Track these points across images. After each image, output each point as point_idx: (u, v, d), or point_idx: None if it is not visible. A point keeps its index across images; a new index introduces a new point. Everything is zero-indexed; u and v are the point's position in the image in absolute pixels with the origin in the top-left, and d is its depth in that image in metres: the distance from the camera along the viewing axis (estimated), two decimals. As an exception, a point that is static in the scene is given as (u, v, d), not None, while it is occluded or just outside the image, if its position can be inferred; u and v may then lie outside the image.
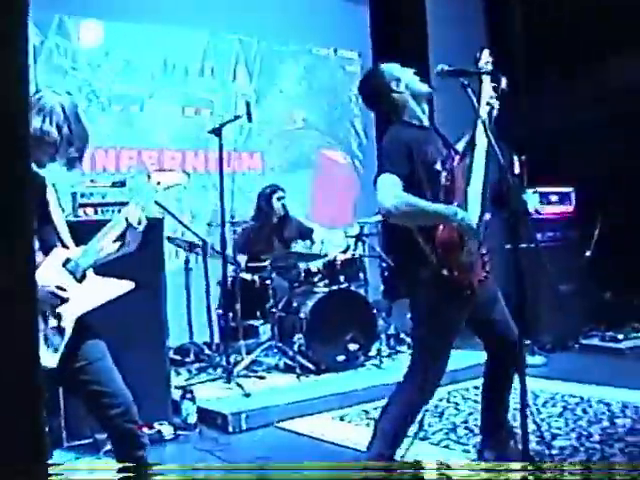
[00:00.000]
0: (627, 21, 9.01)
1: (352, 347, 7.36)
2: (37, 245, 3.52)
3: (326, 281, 7.79)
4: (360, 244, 8.14)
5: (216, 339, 7.97)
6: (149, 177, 3.86)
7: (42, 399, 1.59)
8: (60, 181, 3.82)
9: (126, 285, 3.72)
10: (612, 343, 8.36)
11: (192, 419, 5.83)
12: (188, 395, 5.90)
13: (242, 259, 8.05)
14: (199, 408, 5.94)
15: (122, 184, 5.72)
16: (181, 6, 9.14)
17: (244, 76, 9.82)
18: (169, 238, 7.39)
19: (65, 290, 3.50)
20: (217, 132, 7.09)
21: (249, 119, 7.09)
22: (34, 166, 3.52)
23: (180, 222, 7.31)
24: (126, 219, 3.64)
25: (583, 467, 4.07)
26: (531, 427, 4.04)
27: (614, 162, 8.96)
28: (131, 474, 3.56)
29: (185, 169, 8.90)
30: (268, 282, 7.67)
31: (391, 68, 4.40)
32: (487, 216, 4.20)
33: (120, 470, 3.53)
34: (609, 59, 9.88)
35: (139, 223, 3.66)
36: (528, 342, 7.75)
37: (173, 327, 6.21)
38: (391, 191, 3.87)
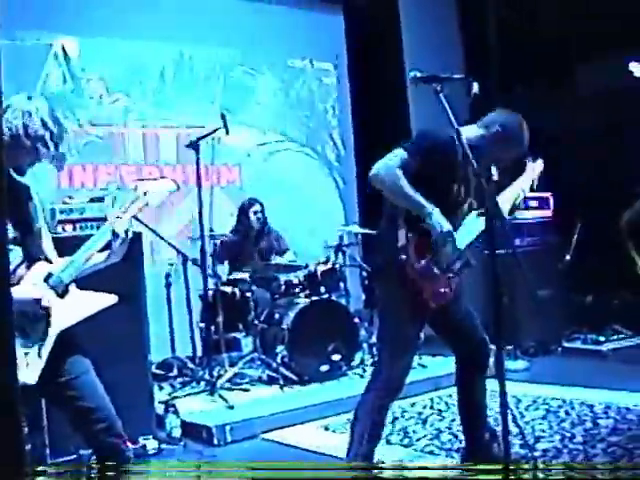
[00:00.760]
0: (604, 27, 9.09)
1: (335, 357, 7.37)
2: (21, 256, 3.51)
3: (307, 292, 7.80)
4: (340, 254, 8.16)
5: (199, 353, 7.97)
6: (135, 188, 3.84)
7: (20, 416, 1.59)
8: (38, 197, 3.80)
9: (109, 299, 3.70)
10: (594, 345, 8.42)
11: (176, 433, 5.82)
12: (172, 409, 5.89)
13: (223, 272, 8.06)
14: (183, 422, 5.93)
15: (100, 200, 5.72)
16: (156, 20, 9.15)
17: (220, 89, 9.82)
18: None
19: (47, 305, 3.48)
20: (194, 146, 7.09)
21: (226, 132, 7.09)
22: (14, 174, 3.51)
23: (159, 236, 7.29)
24: (112, 230, 3.62)
25: (565, 467, 4.09)
26: (514, 430, 4.08)
27: (591, 166, 9.03)
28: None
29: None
30: (249, 294, 7.67)
31: None
32: (473, 262, 4.28)
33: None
34: (585, 65, 9.98)
35: (126, 233, 3.65)
36: (510, 347, 7.79)
37: (155, 342, 6.19)
38: (388, 161, 4.01)
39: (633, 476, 4.16)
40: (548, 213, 9.13)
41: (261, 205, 8.43)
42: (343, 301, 7.99)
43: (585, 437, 5.19)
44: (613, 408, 5.84)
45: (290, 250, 8.63)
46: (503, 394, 3.50)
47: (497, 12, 10.88)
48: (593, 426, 5.44)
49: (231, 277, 7.96)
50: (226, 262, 8.29)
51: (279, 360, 7.29)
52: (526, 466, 4.08)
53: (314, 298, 7.63)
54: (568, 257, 8.64)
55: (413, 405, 6.49)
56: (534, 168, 4.68)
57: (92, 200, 5.71)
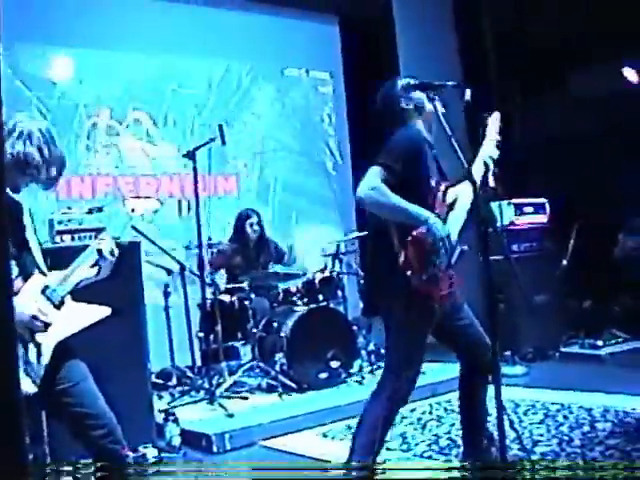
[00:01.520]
0: (596, 35, 9.15)
1: (334, 364, 7.39)
2: (16, 271, 3.55)
3: (305, 300, 7.83)
4: (337, 262, 8.19)
5: (198, 362, 7.99)
6: (123, 204, 3.92)
7: (23, 426, 1.61)
8: (36, 208, 3.84)
9: (103, 311, 3.75)
10: (592, 350, 8.44)
11: (176, 441, 5.83)
12: (171, 417, 5.91)
13: (221, 281, 8.09)
14: (183, 430, 5.94)
15: (99, 210, 5.76)
16: (152, 32, 9.19)
17: (216, 99, 9.85)
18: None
19: (44, 316, 3.52)
20: (191, 156, 7.12)
21: (223, 142, 7.12)
22: (9, 191, 3.56)
23: (158, 246, 7.32)
24: (98, 250, 3.69)
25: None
26: (512, 435, 4.11)
27: (588, 171, 9.06)
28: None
29: (161, 194, 8.96)
30: (247, 303, 7.69)
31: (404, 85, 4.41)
32: (465, 247, 4.29)
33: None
34: (580, 70, 10.03)
35: (111, 254, 3.72)
36: (508, 352, 7.81)
37: (154, 351, 6.21)
38: (369, 181, 4.00)
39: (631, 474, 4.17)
40: (544, 219, 9.16)
41: (258, 216, 8.46)
42: (341, 309, 8.02)
43: (583, 440, 5.21)
44: (611, 412, 5.87)
45: (287, 253, 8.65)
46: (499, 399, 3.52)
47: (493, 18, 10.94)
48: (591, 429, 5.46)
49: (229, 286, 7.97)
50: (223, 271, 8.30)
51: (278, 368, 7.32)
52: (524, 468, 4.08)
53: (312, 306, 7.66)
54: (565, 262, 8.67)
55: (412, 411, 6.50)
56: (493, 123, 4.64)
57: (90, 211, 5.75)
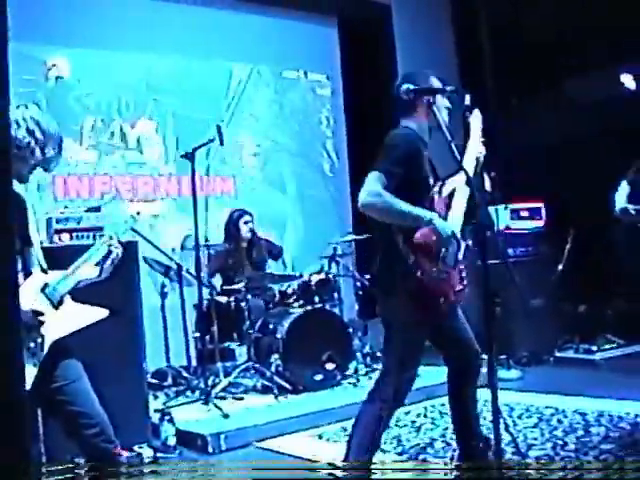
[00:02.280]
0: (594, 40, 9.19)
1: (329, 366, 7.41)
2: (19, 266, 3.57)
3: (301, 302, 7.85)
4: (334, 264, 8.21)
5: (193, 362, 8.01)
6: (128, 206, 3.96)
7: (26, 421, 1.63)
8: (35, 207, 3.85)
9: (102, 313, 3.77)
10: (586, 355, 8.46)
11: (171, 441, 5.85)
12: (167, 417, 5.92)
13: (217, 282, 8.10)
14: (178, 430, 5.96)
15: (97, 209, 5.77)
16: (151, 32, 9.20)
17: (215, 99, 9.86)
18: (145, 260, 7.39)
19: (42, 315, 3.54)
20: (189, 156, 7.13)
21: (221, 143, 7.13)
22: (16, 183, 3.57)
23: (155, 246, 7.33)
24: (109, 250, 3.72)
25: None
26: (507, 438, 4.13)
27: (584, 176, 9.08)
28: None
29: (158, 194, 8.98)
30: (243, 304, 7.69)
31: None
32: (469, 241, 4.31)
33: None
34: (577, 77, 10.06)
35: (117, 254, 3.76)
36: (503, 357, 7.82)
37: (150, 351, 6.22)
38: (370, 187, 4.00)
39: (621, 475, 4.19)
40: (540, 223, 9.18)
41: (251, 215, 8.47)
42: (337, 311, 8.04)
43: (577, 445, 5.22)
44: (605, 416, 5.89)
45: (282, 248, 8.68)
46: (495, 403, 3.54)
47: (491, 23, 10.98)
48: (585, 434, 5.48)
49: (226, 287, 7.98)
50: (218, 274, 8.31)
51: (273, 369, 7.33)
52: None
53: (308, 308, 7.69)
54: (560, 267, 8.69)
55: (407, 413, 6.52)
56: (475, 120, 4.63)
57: (89, 210, 5.76)
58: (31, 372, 3.46)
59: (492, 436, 3.77)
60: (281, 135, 10.50)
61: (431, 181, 4.27)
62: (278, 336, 7.36)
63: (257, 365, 7.52)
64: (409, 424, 6.26)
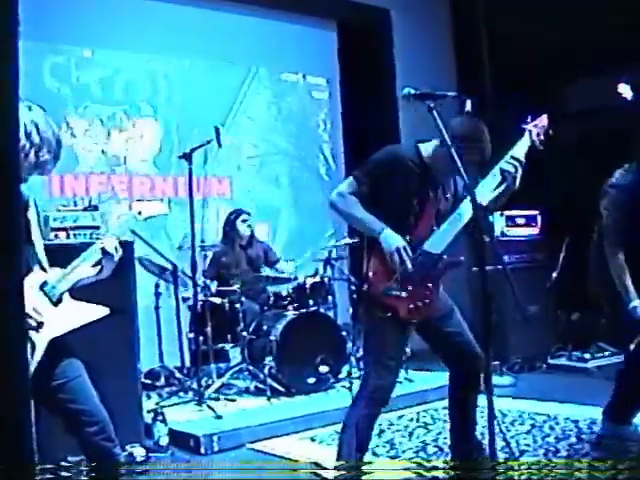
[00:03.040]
0: (588, 47, 9.22)
1: (322, 369, 7.41)
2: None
3: (295, 304, 7.85)
4: (329, 267, 8.21)
5: (187, 363, 8.01)
6: (130, 207, 3.97)
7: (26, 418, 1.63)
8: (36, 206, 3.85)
9: (101, 311, 3.79)
10: (579, 363, 8.48)
11: (164, 441, 5.85)
12: (160, 417, 5.92)
13: (212, 283, 8.10)
14: (171, 430, 5.96)
15: (94, 208, 5.77)
16: (150, 32, 9.20)
17: (213, 101, 9.85)
18: (140, 260, 7.38)
19: (40, 313, 3.54)
20: (187, 157, 7.14)
21: (219, 144, 7.14)
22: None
23: (151, 246, 7.32)
24: (102, 248, 3.73)
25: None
26: (500, 444, 4.14)
27: (580, 184, 9.10)
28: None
29: (155, 195, 8.98)
30: (238, 306, 7.70)
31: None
32: (461, 258, 4.33)
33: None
34: (575, 83, 10.10)
35: (115, 250, 3.76)
36: (496, 363, 7.84)
37: (143, 351, 6.20)
38: (339, 188, 4.27)
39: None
40: (536, 230, 9.21)
41: (248, 214, 8.48)
42: (331, 314, 8.05)
43: (569, 452, 5.24)
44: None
45: (282, 259, 8.68)
46: (491, 408, 3.55)
47: (489, 30, 11.00)
48: (577, 441, 5.50)
49: (220, 288, 7.98)
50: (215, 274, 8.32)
51: (267, 371, 7.31)
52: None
53: (302, 310, 7.69)
54: (555, 274, 8.70)
55: (400, 418, 6.54)
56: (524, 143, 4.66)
57: (86, 209, 5.76)
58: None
59: (486, 441, 3.78)
60: (278, 138, 10.50)
61: (415, 201, 4.28)
62: (272, 338, 7.36)
63: (250, 367, 7.53)
64: (402, 429, 6.27)
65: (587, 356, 8.54)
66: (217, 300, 7.80)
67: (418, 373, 7.76)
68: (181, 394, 7.34)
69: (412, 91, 3.86)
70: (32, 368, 3.49)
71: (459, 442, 4.71)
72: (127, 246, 5.37)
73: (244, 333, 7.60)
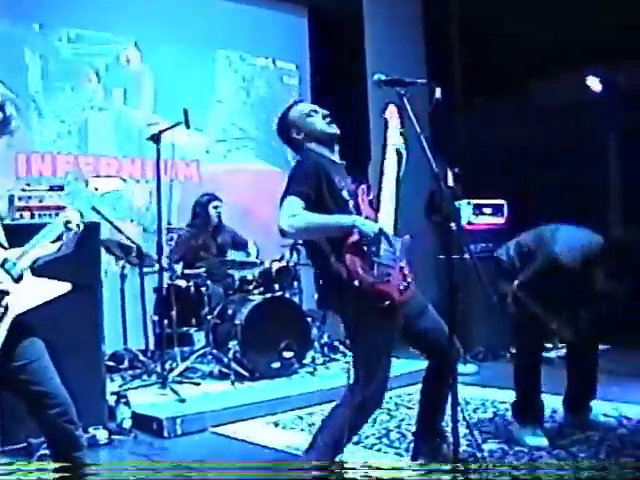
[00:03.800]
0: (556, 44, 9.30)
1: (287, 354, 7.41)
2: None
3: (261, 289, 7.86)
4: (295, 253, 8.21)
5: (151, 346, 7.98)
6: (87, 183, 3.93)
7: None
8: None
9: (63, 287, 3.75)
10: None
11: (127, 424, 5.84)
12: (123, 400, 5.90)
13: (177, 266, 8.06)
14: (134, 413, 5.95)
15: (60, 188, 5.73)
16: (123, 13, 9.13)
17: (183, 84, 9.78)
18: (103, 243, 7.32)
19: (2, 289, 3.51)
20: (156, 139, 7.10)
21: (187, 126, 7.10)
22: None
23: (116, 228, 7.28)
24: (64, 222, 3.69)
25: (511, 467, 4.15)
26: (463, 431, 4.16)
27: (546, 175, 9.17)
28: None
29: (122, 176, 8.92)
30: (203, 289, 7.69)
31: (296, 115, 4.49)
32: (406, 237, 4.32)
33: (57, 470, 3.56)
34: (540, 78, 10.16)
35: (77, 226, 3.72)
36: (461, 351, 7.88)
37: (107, 334, 6.16)
38: (288, 211, 4.03)
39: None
40: (502, 220, 9.26)
41: (220, 201, 8.44)
42: (296, 299, 8.06)
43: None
44: (559, 412, 5.95)
45: (250, 240, 8.62)
46: (455, 396, 3.57)
47: (460, 21, 11.04)
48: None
49: (186, 272, 7.93)
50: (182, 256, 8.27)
51: (231, 355, 7.31)
52: (474, 466, 4.13)
53: (268, 295, 7.69)
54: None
55: (363, 404, 6.54)
56: (391, 114, 4.64)
57: (51, 188, 5.71)
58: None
59: (449, 428, 3.80)
60: (247, 122, 10.46)
61: (346, 194, 4.29)
62: (237, 322, 7.34)
63: (215, 351, 7.52)
64: (365, 415, 6.28)
65: (550, 346, 8.59)
66: (182, 283, 7.77)
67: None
68: (145, 377, 7.31)
69: (382, 77, 3.86)
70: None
71: (426, 432, 4.73)
72: (92, 227, 5.36)
73: (209, 317, 7.60)
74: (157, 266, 7.26)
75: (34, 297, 3.63)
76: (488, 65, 10.19)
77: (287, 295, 7.92)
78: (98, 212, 5.66)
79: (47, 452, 4.10)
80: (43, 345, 3.68)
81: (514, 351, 5.79)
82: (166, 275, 7.51)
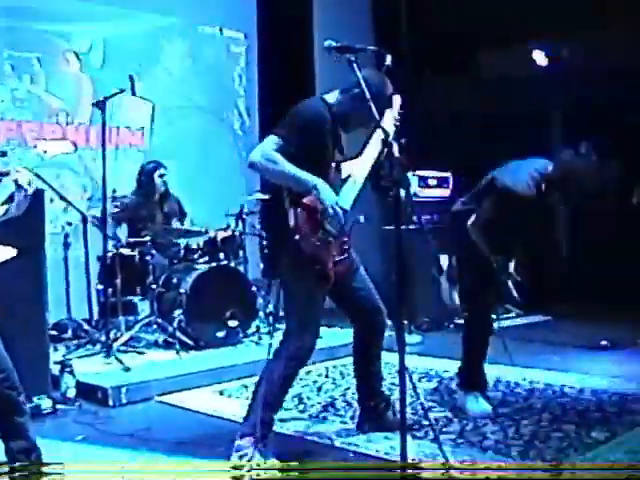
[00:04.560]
0: (504, 18, 9.35)
1: (232, 323, 7.42)
2: None
3: (206, 258, 7.84)
4: (240, 222, 8.19)
5: (95, 315, 7.93)
6: (35, 146, 3.87)
7: None
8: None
9: (8, 252, 3.71)
10: (485, 323, 8.62)
11: (71, 393, 5.79)
12: (67, 369, 5.86)
13: (122, 234, 7.99)
14: (78, 382, 5.91)
15: (3, 154, 5.63)
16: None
17: (128, 50, 9.67)
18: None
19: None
20: (101, 105, 7.01)
21: (133, 93, 7.03)
22: None
23: (60, 196, 7.19)
24: (15, 181, 3.63)
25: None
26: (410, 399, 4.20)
27: (493, 148, 9.23)
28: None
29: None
30: (148, 258, 7.65)
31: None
32: (361, 218, 4.36)
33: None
34: (487, 51, 10.22)
35: (29, 184, 3.67)
36: (405, 322, 7.93)
37: (51, 303, 6.10)
38: (263, 148, 4.16)
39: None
40: (447, 192, 9.31)
41: (165, 168, 8.35)
42: (241, 269, 8.05)
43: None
44: (502, 382, 6.04)
45: (188, 215, 8.57)
46: (402, 365, 3.61)
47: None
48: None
49: (131, 240, 7.86)
50: (125, 225, 8.18)
51: (176, 324, 7.27)
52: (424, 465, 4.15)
53: (213, 264, 7.67)
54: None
55: (308, 373, 6.57)
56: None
57: (-3, 153, 5.62)
58: None
59: (395, 395, 3.82)
60: (193, 90, 10.36)
61: (330, 153, 4.33)
62: (182, 291, 7.31)
63: (160, 320, 7.48)
64: (310, 384, 6.31)
65: (493, 317, 8.67)
66: (127, 252, 7.70)
67: (327, 329, 7.79)
68: (89, 346, 7.28)
69: (333, 43, 3.85)
70: None
71: (367, 398, 4.79)
72: (37, 193, 5.28)
73: (154, 286, 7.55)
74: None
75: (-22, 262, 3.58)
76: (436, 35, 10.21)
77: (232, 264, 7.89)
78: (40, 177, 5.58)
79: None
80: None
81: (464, 318, 5.78)
82: (110, 243, 7.44)
